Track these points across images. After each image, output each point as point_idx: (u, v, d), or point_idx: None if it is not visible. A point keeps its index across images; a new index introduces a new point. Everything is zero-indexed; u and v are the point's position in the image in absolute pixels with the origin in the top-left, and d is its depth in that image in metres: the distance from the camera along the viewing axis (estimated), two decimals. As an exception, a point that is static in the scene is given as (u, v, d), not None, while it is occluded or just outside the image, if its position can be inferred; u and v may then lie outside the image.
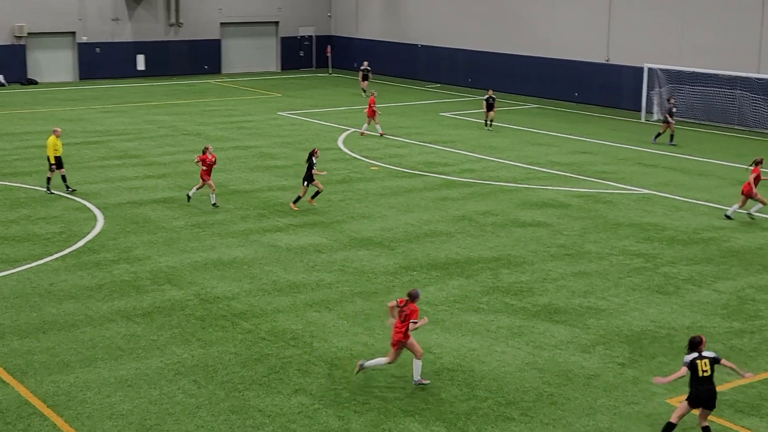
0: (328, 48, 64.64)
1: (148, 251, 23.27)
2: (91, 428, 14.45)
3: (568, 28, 50.86)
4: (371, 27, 63.43)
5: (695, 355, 13.66)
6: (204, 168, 27.18)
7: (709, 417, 14.76)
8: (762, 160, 27.34)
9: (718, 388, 15.77)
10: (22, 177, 31.12)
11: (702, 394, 13.64)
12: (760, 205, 26.81)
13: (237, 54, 63.40)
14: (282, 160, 34.61)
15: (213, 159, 27.42)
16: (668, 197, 29.47)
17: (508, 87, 53.32)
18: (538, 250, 23.76)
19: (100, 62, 58.28)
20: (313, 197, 27.57)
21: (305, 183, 27.26)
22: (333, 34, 66.14)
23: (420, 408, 15.15)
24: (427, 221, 26.38)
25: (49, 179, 29.04)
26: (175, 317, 18.99)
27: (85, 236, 24.42)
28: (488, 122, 41.71)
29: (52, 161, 28.74)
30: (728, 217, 26.82)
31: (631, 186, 31.03)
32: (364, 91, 51.93)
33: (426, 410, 15.07)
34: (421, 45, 59.61)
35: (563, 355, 17.24)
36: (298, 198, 27.45)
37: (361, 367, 15.99)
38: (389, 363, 16.01)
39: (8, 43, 55.53)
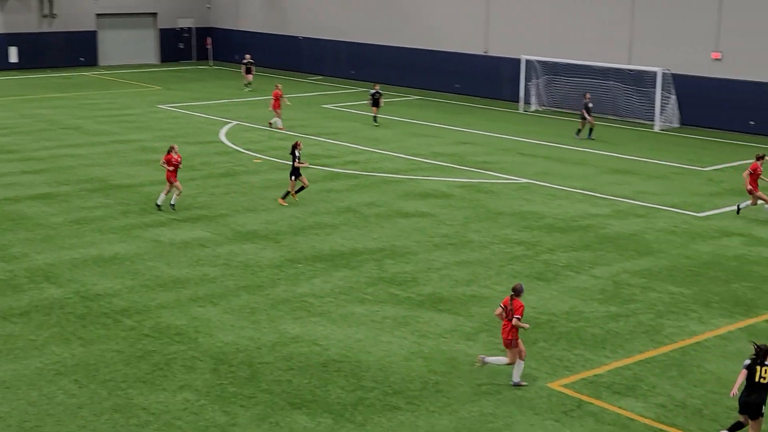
0: (208, 40, 63.90)
1: (25, 249, 22.63)
2: (-32, 433, 14.01)
3: (449, 20, 51.47)
4: (252, 19, 62.91)
5: (754, 360, 13.54)
6: (170, 169, 25.99)
7: (585, 398, 15.22)
8: (763, 155, 26.85)
9: (596, 370, 16.29)
10: None
11: (751, 401, 13.51)
12: (748, 202, 26.54)
13: (114, 46, 62.06)
14: (163, 154, 34.00)
15: (179, 159, 26.20)
16: (546, 186, 30.17)
17: (391, 79, 53.62)
18: (422, 240, 24.03)
19: (-31, 55, 56.32)
20: (297, 191, 27.32)
21: (292, 177, 27.11)
22: (213, 25, 65.38)
23: (307, 400, 15.17)
24: (311, 213, 26.38)
25: None
26: (54, 316, 18.53)
27: (-43, 235, 23.60)
28: (374, 117, 41.15)
29: None
30: (738, 210, 26.69)
31: (511, 175, 31.65)
32: (248, 85, 51.34)
33: (313, 402, 15.11)
34: (303, 37, 59.43)
35: (448, 343, 17.51)
36: (287, 193, 27.27)
37: (483, 362, 15.91)
38: (509, 364, 15.82)
39: None
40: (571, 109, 45.18)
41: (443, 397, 15.35)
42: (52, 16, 58.97)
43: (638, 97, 42.78)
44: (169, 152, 26.23)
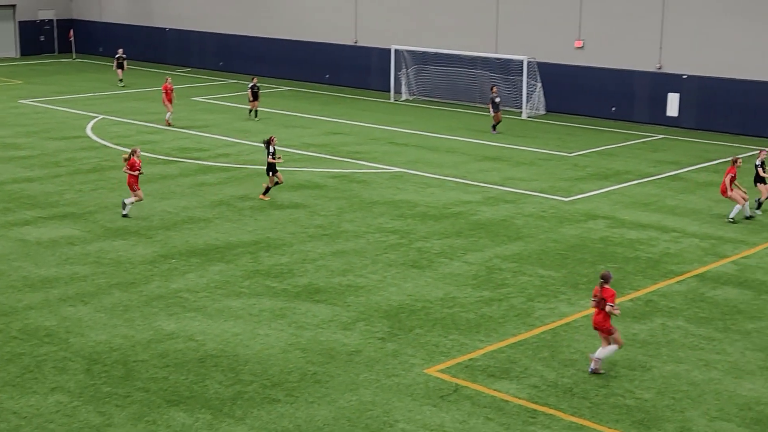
0: (71, 32, 62.12)
1: None
2: None
3: (317, 11, 51.41)
4: (116, 10, 61.45)
5: None
6: (134, 174, 24.77)
7: (462, 382, 15.53)
8: (737, 159, 25.88)
9: (471, 354, 16.61)
10: None
11: None
12: (739, 207, 25.48)
13: (-31, 39, 59.76)
14: (27, 150, 33.03)
15: (140, 163, 25.04)
16: (419, 174, 30.52)
17: (261, 70, 53.24)
18: (297, 231, 24.01)
19: None
20: (265, 191, 26.97)
21: (269, 173, 26.72)
22: (75, 17, 63.59)
23: (184, 396, 15.00)
24: (184, 208, 26.02)
25: None
26: None
27: None
28: (252, 111, 40.22)
29: None
30: (732, 221, 25.44)
31: (384, 165, 31.90)
32: (121, 81, 49.81)
33: (191, 398, 14.95)
34: (170, 28, 58.42)
35: (325, 334, 17.57)
36: (267, 189, 26.92)
37: (596, 362, 15.88)
38: (619, 348, 16.07)
39: None
40: (441, 98, 45.82)
41: (322, 387, 15.40)
42: None
43: (505, 86, 43.66)
44: (131, 156, 24.88)
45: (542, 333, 17.72)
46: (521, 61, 42.55)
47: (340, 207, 26.36)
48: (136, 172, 24.89)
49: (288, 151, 33.81)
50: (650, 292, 19.95)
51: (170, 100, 38.35)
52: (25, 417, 14.30)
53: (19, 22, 61.50)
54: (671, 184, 29.87)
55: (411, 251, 22.57)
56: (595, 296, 15.98)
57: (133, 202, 25.11)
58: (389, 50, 46.80)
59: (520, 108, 42.53)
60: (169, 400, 14.90)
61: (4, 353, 16.47)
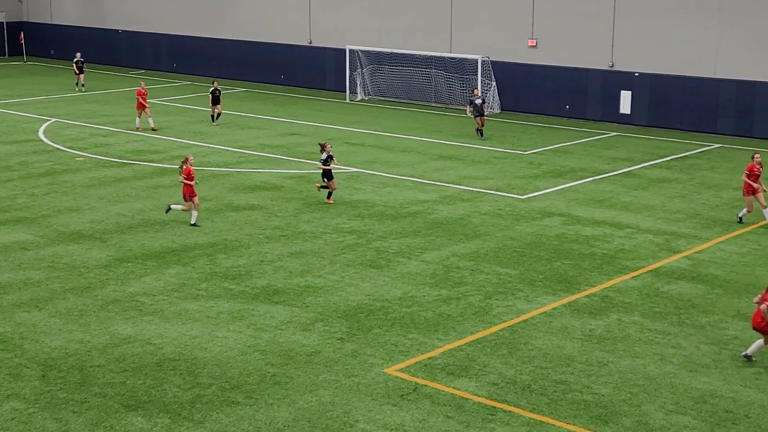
0: (21, 35, 61.35)
1: None
2: None
3: (271, 11, 51.27)
4: (67, 12, 60.82)
5: None
6: (190, 183, 23.99)
7: (421, 381, 15.58)
8: (755, 155, 25.03)
9: (430, 353, 16.66)
10: None
11: None
12: (745, 210, 24.94)
13: None
14: (180, 169, 32.23)
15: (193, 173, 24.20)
16: (375, 174, 30.54)
17: (215, 71, 53.04)
18: (254, 233, 23.92)
19: None
20: (329, 195, 26.93)
21: (325, 179, 26.71)
22: (26, 20, 62.82)
23: (142, 401, 14.88)
24: (139, 211, 25.81)
25: None
26: None
27: None
28: (214, 116, 39.12)
29: None
30: (740, 220, 25.07)
31: (340, 165, 31.86)
32: (80, 85, 48.59)
33: (149, 403, 14.83)
34: (122, 30, 57.92)
35: (284, 335, 17.52)
36: (330, 193, 26.92)
37: (748, 358, 16.23)
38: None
39: None
40: (396, 97, 45.89)
41: (281, 389, 15.36)
42: None
43: (460, 85, 43.85)
44: (185, 164, 24.10)
45: (500, 330, 17.82)
46: (476, 61, 42.76)
47: (297, 208, 26.30)
48: (192, 182, 24.12)
49: (244, 153, 33.67)
50: (606, 288, 20.15)
51: (141, 106, 37.39)
52: (-20, 425, 14.11)
53: (-32, 25, 60.71)
54: (625, 180, 30.18)
55: (369, 251, 22.57)
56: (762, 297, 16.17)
57: (182, 210, 24.59)
58: (344, 50, 46.79)
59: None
60: (126, 405, 14.77)
61: (-43, 361, 16.23)
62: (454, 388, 15.41)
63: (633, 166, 32.34)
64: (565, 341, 17.29)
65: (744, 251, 22.78)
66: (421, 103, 45.33)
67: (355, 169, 31.27)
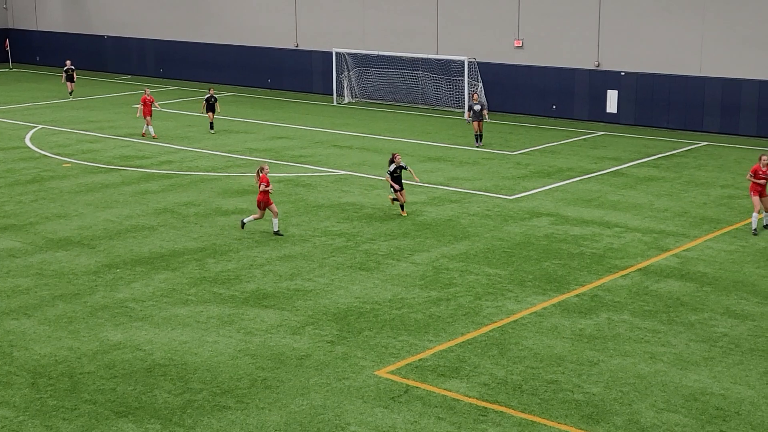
0: (6, 42, 61.17)
1: None
2: None
3: (258, 15, 51.24)
4: (52, 18, 60.65)
5: None
6: (269, 190, 23.50)
7: (412, 382, 15.58)
8: (762, 155, 23.85)
9: (421, 355, 16.66)
10: None
11: None
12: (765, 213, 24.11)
13: None
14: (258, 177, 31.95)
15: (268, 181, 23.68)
16: (363, 176, 30.54)
17: (202, 76, 53.00)
18: (243, 237, 23.88)
19: None
20: (402, 207, 25.93)
21: (396, 191, 25.55)
22: (11, 26, 62.63)
23: (133, 407, 14.84)
24: (127, 216, 25.75)
25: None
26: None
27: None
28: (211, 123, 38.51)
29: None
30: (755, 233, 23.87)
31: (328, 168, 31.87)
32: (71, 94, 48.37)
33: (139, 409, 14.79)
34: (108, 36, 57.79)
35: (274, 339, 17.50)
36: (402, 205, 25.83)
37: None
38: None
39: None
40: (383, 100, 45.90)
41: (272, 393, 15.34)
42: None
43: (447, 86, 43.90)
44: (262, 172, 23.52)
45: (491, 331, 17.83)
46: (462, 62, 42.81)
47: (285, 211, 26.28)
48: (269, 189, 23.56)
49: (232, 157, 33.63)
50: (595, 287, 20.19)
51: (150, 113, 36.93)
52: (-30, 434, 14.05)
53: (-47, 32, 60.48)
54: (612, 179, 30.25)
55: (358, 253, 22.57)
56: None
57: (254, 220, 24.03)
58: (331, 53, 46.79)
59: (462, 108, 42.75)
60: (117, 411, 14.73)
61: (-54, 370, 16.16)
62: (445, 389, 15.41)
63: (620, 165, 32.42)
64: (555, 341, 17.32)
65: (732, 249, 22.85)
66: (408, 105, 45.35)
67: (343, 172, 31.25)
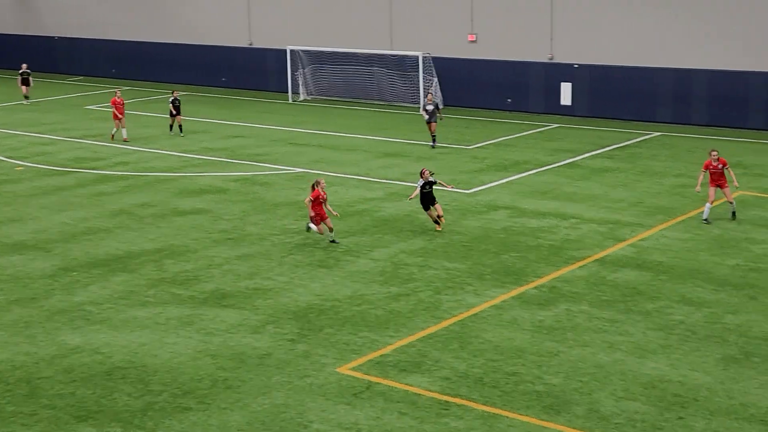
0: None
1: None
2: None
3: (210, 13, 50.94)
4: (2, 20, 59.79)
5: None
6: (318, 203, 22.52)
7: (374, 378, 15.60)
8: (712, 151, 24.45)
9: (382, 351, 16.69)
10: None
11: None
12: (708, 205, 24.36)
13: None
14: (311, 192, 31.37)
15: (325, 196, 22.74)
16: (321, 174, 30.47)
17: (155, 76, 52.59)
18: (201, 237, 23.76)
19: None
20: (437, 222, 23.93)
21: (426, 207, 23.80)
22: (-41, 28, 61.73)
23: (93, 411, 14.71)
24: (83, 219, 25.51)
25: None
26: None
27: None
28: (173, 126, 37.57)
29: None
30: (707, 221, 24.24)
31: (285, 166, 31.79)
32: (27, 98, 47.07)
33: (99, 413, 14.67)
34: (58, 36, 57.12)
35: (235, 339, 17.43)
36: (435, 221, 23.86)
37: None
38: None
39: None
40: (339, 96, 45.85)
41: (234, 392, 15.29)
42: None
43: (402, 82, 43.94)
44: (315, 187, 22.63)
45: (451, 325, 17.90)
46: (417, 57, 42.88)
47: (243, 210, 26.18)
48: (313, 208, 22.53)
49: (188, 157, 33.43)
50: (554, 279, 20.34)
51: (121, 115, 36.20)
52: (-73, 443, 13.85)
53: None
54: (568, 171, 30.49)
55: (317, 251, 22.54)
56: None
57: (316, 231, 22.96)
58: (285, 51, 46.63)
59: (418, 103, 42.83)
60: (76, 416, 14.59)
61: None
62: (406, 384, 15.45)
63: (575, 156, 32.68)
64: (515, 333, 17.43)
65: (686, 237, 23.14)
66: (364, 101, 45.34)
67: (300, 170, 31.19)
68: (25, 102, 46.68)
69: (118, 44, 54.38)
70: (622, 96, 39.40)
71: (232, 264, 21.68)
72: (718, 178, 24.32)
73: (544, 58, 41.13)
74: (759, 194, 26.98)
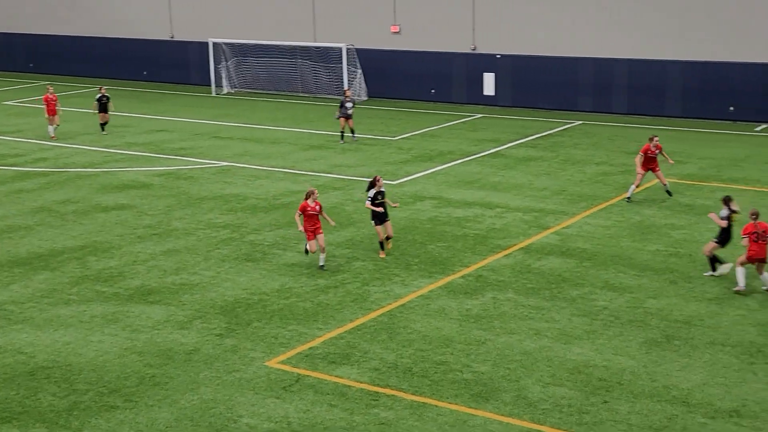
0: None
1: None
2: None
3: (130, 6, 50.19)
4: None
5: None
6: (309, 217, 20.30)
7: (303, 371, 15.59)
8: (653, 137, 25.13)
9: (311, 343, 16.68)
10: None
11: None
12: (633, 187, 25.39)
13: None
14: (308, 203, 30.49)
15: (318, 207, 20.40)
16: (246, 167, 30.32)
17: (74, 70, 51.66)
18: (125, 233, 23.44)
19: None
20: (381, 246, 21.50)
21: (375, 223, 21.29)
22: None
23: (16, 412, 14.44)
24: (2, 217, 24.97)
25: None
26: None
27: None
28: (103, 125, 36.31)
29: None
30: (629, 199, 25.29)
31: (210, 159, 31.52)
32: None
33: (23, 414, 14.40)
34: (-27, 30, 55.81)
35: (161, 335, 17.25)
36: (382, 244, 21.43)
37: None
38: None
39: None
40: (263, 89, 45.59)
41: (161, 389, 15.13)
42: None
43: (326, 74, 43.86)
44: (309, 197, 20.34)
45: (379, 316, 17.96)
46: (340, 49, 42.84)
47: (168, 205, 25.89)
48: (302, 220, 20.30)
49: (110, 152, 32.94)
50: (480, 268, 20.54)
51: (54, 112, 35.14)
52: None
53: None
54: (492, 161, 30.78)
55: (243, 245, 22.41)
56: (755, 232, 18.40)
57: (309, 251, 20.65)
58: (207, 43, 46.18)
59: (342, 96, 42.80)
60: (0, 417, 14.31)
61: None
62: (336, 376, 15.47)
63: (499, 146, 33.00)
64: (443, 322, 17.56)
65: (609, 224, 23.55)
66: (288, 93, 45.16)
67: (225, 163, 30.95)
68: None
69: (36, 38, 53.29)
70: (544, 86, 39.88)
71: (157, 260, 21.44)
72: (650, 162, 25.21)
73: (466, 49, 41.42)
74: (678, 180, 27.58)
